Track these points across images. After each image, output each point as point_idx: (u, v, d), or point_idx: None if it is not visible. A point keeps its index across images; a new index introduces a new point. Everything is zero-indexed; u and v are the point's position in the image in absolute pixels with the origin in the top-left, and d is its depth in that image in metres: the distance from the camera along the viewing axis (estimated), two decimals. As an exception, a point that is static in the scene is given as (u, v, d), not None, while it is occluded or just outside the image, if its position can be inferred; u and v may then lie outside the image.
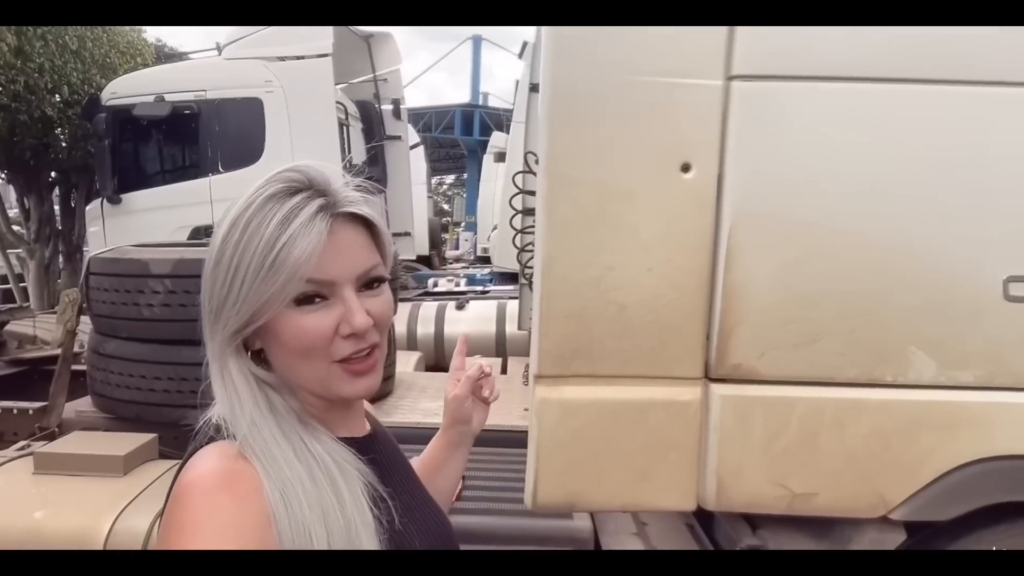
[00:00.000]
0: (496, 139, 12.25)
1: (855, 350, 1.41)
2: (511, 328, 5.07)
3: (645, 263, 1.40)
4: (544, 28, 1.32)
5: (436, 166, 24.30)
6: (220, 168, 5.57)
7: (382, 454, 0.82)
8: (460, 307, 5.77)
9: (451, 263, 14.14)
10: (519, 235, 3.13)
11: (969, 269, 1.38)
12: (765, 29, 1.32)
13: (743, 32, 1.33)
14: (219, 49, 5.76)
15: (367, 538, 0.68)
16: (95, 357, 2.35)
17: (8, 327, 4.08)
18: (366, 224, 0.74)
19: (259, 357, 0.74)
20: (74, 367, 2.54)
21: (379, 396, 2.56)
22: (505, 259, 6.19)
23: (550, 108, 1.34)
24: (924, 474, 1.43)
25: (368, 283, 0.73)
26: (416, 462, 1.03)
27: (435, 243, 12.33)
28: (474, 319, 5.56)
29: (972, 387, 1.41)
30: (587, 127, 1.35)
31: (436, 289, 7.74)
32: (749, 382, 1.43)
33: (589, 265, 1.39)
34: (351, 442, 0.76)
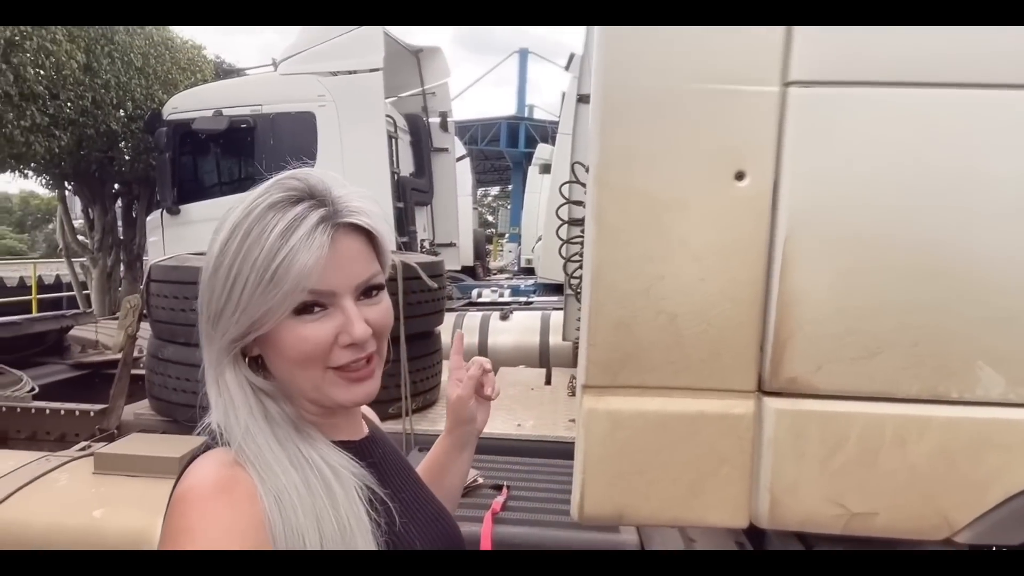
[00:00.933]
0: (541, 151, 12.32)
1: (917, 364, 1.36)
2: (555, 339, 5.07)
3: (697, 273, 1.38)
4: (596, 35, 1.32)
5: (481, 178, 24.53)
6: (274, 180, 5.72)
7: (380, 456, 0.82)
8: (504, 317, 5.79)
9: (495, 274, 14.22)
10: (565, 245, 3.13)
11: (1041, 281, 1.31)
12: (822, 34, 1.29)
13: (800, 37, 1.30)
14: (275, 65, 5.94)
15: (363, 542, 0.68)
16: (154, 362, 2.43)
17: (72, 332, 4.26)
18: (366, 233, 0.74)
19: (256, 364, 0.75)
20: (134, 371, 2.64)
21: (426, 405, 2.58)
22: (549, 270, 6.21)
23: (601, 115, 1.33)
24: (992, 496, 1.36)
25: (367, 291, 0.73)
26: (422, 466, 1.04)
27: (479, 254, 12.43)
28: (518, 329, 5.57)
29: (1045, 405, 1.34)
30: (638, 134, 1.34)
31: (480, 300, 7.78)
32: (805, 396, 1.39)
33: (639, 274, 1.37)
34: (348, 446, 0.76)
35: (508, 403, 2.98)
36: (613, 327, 1.39)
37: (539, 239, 8.77)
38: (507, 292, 8.61)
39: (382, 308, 0.74)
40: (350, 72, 5.51)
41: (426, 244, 6.80)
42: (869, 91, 1.32)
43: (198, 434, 0.74)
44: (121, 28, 7.13)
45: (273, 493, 0.65)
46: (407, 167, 6.74)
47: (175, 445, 1.94)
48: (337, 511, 0.67)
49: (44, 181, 8.13)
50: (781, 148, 1.33)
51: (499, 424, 2.59)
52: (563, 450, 1.85)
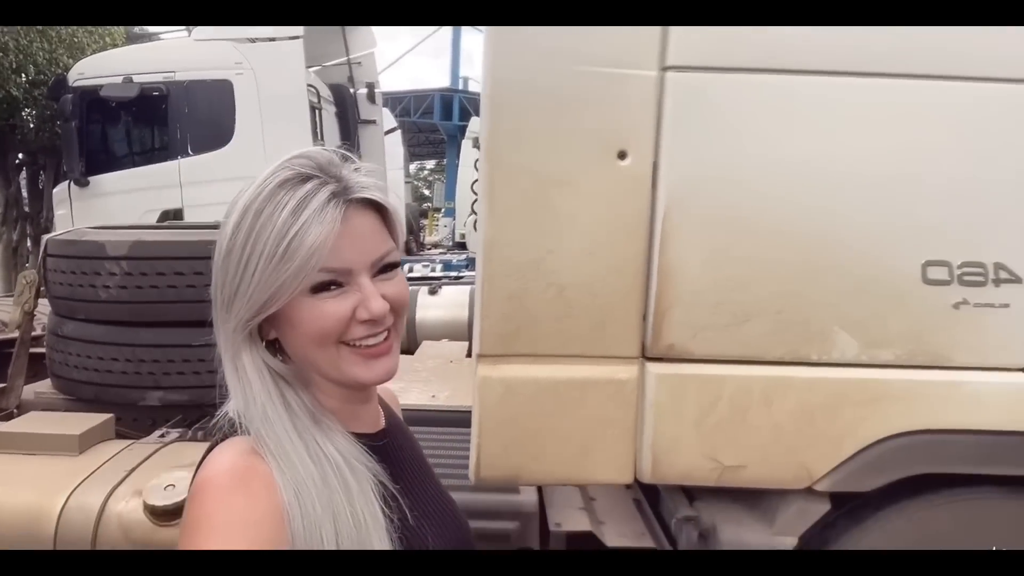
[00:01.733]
0: (475, 124, 12.26)
1: (782, 330, 1.48)
2: (481, 312, 5.10)
3: (585, 247, 1.46)
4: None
5: (415, 151, 24.17)
6: (189, 151, 5.54)
7: (395, 450, 0.82)
8: (433, 292, 5.80)
9: (429, 249, 14.15)
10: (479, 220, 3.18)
11: (890, 254, 1.45)
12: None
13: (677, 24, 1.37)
14: (189, 30, 5.70)
15: (377, 537, 0.68)
16: (54, 339, 2.36)
17: (-29, 310, 4.04)
18: (378, 209, 0.74)
19: (273, 347, 0.74)
20: (34, 349, 2.55)
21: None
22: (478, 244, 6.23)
23: (490, 97, 1.38)
24: (847, 447, 1.51)
25: (383, 268, 0.73)
26: None
27: (411, 229, 12.33)
28: (446, 304, 5.59)
29: (893, 365, 1.49)
30: (527, 115, 1.40)
31: (411, 275, 7.76)
32: (682, 361, 1.50)
33: (530, 249, 1.44)
34: (364, 438, 0.76)
35: (426, 375, 3.03)
36: (506, 299, 1.46)
37: (471, 214, 8.79)
38: (439, 267, 8.60)
39: (398, 284, 0.74)
40: (269, 39, 5.34)
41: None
42: (741, 77, 1.41)
43: (215, 423, 0.73)
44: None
45: (292, 486, 0.65)
46: (332, 139, 6.61)
47: (75, 422, 1.91)
48: (353, 506, 0.67)
49: (-62, 150, 7.60)
50: (660, 130, 1.42)
51: (414, 396, 2.64)
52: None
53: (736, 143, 1.43)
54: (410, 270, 8.04)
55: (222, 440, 0.71)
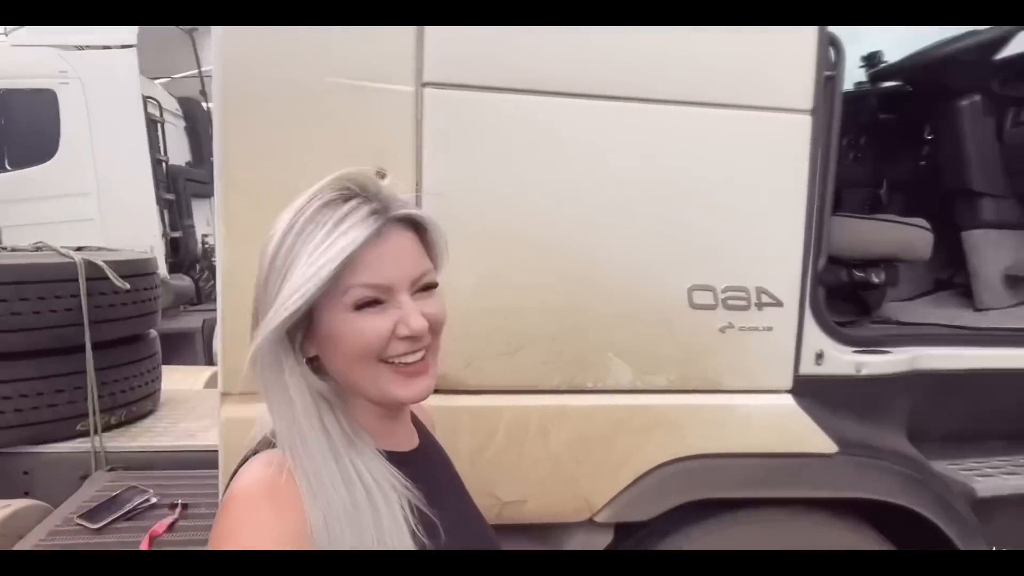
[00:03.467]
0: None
1: (556, 358, 1.43)
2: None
3: (344, 272, 1.35)
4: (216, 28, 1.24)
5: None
6: (7, 166, 4.99)
7: (428, 468, 0.83)
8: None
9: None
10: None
11: (657, 279, 1.44)
12: (452, 35, 1.30)
13: (432, 38, 1.31)
14: (6, 32, 5.17)
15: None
16: None
17: None
18: (416, 228, 0.77)
19: (313, 365, 0.75)
20: None
21: (135, 417, 2.34)
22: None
23: (224, 108, 1.26)
24: (623, 477, 1.48)
25: (422, 288, 0.75)
26: None
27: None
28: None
29: (665, 391, 1.48)
30: (270, 130, 1.28)
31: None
32: (456, 392, 1.42)
33: (278, 275, 1.31)
34: (396, 457, 0.76)
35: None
36: (250, 332, 1.32)
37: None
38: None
39: (437, 303, 0.76)
40: (104, 47, 4.92)
41: (208, 240, 6.30)
42: (502, 96, 1.36)
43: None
44: None
45: (322, 510, 0.67)
46: (181, 155, 6.19)
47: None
48: (380, 531, 0.68)
49: None
50: (421, 148, 1.34)
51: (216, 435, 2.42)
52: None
53: (503, 166, 1.38)
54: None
55: (257, 452, 0.73)
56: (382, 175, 1.33)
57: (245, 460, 0.75)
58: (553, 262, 1.41)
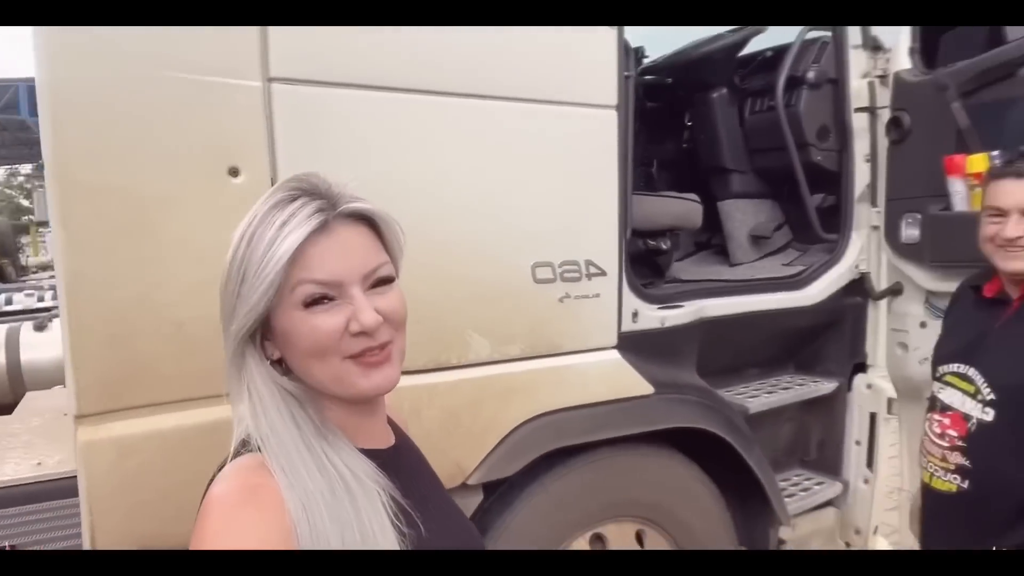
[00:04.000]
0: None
1: (424, 340, 1.52)
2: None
3: (201, 275, 1.29)
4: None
5: (1, 154, 19.63)
6: None
7: (405, 466, 0.83)
8: (40, 327, 4.75)
9: (34, 272, 11.68)
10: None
11: (505, 259, 1.60)
12: (295, 31, 1.30)
13: (276, 33, 1.29)
14: None
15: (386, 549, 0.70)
16: None
17: None
18: (370, 224, 0.76)
19: (280, 367, 0.76)
20: None
21: None
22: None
23: (52, 106, 1.13)
24: (489, 440, 1.63)
25: (377, 283, 0.74)
26: None
27: (6, 250, 10.05)
28: (59, 341, 4.64)
29: (519, 359, 1.65)
30: (108, 128, 1.18)
31: (8, 308, 6.30)
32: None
33: (129, 282, 1.23)
34: (373, 454, 0.76)
35: (28, 438, 2.45)
36: (105, 345, 1.22)
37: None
38: (48, 295, 7.11)
39: (393, 297, 0.75)
40: None
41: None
42: (348, 92, 1.39)
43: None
44: None
45: (300, 499, 0.67)
46: None
47: None
48: (360, 518, 0.69)
49: None
50: (274, 144, 1.33)
51: (11, 468, 2.11)
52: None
53: (353, 161, 1.42)
54: (8, 302, 6.51)
55: (232, 457, 0.73)
56: (234, 172, 1.31)
57: (221, 467, 0.73)
58: (407, 250, 1.49)
